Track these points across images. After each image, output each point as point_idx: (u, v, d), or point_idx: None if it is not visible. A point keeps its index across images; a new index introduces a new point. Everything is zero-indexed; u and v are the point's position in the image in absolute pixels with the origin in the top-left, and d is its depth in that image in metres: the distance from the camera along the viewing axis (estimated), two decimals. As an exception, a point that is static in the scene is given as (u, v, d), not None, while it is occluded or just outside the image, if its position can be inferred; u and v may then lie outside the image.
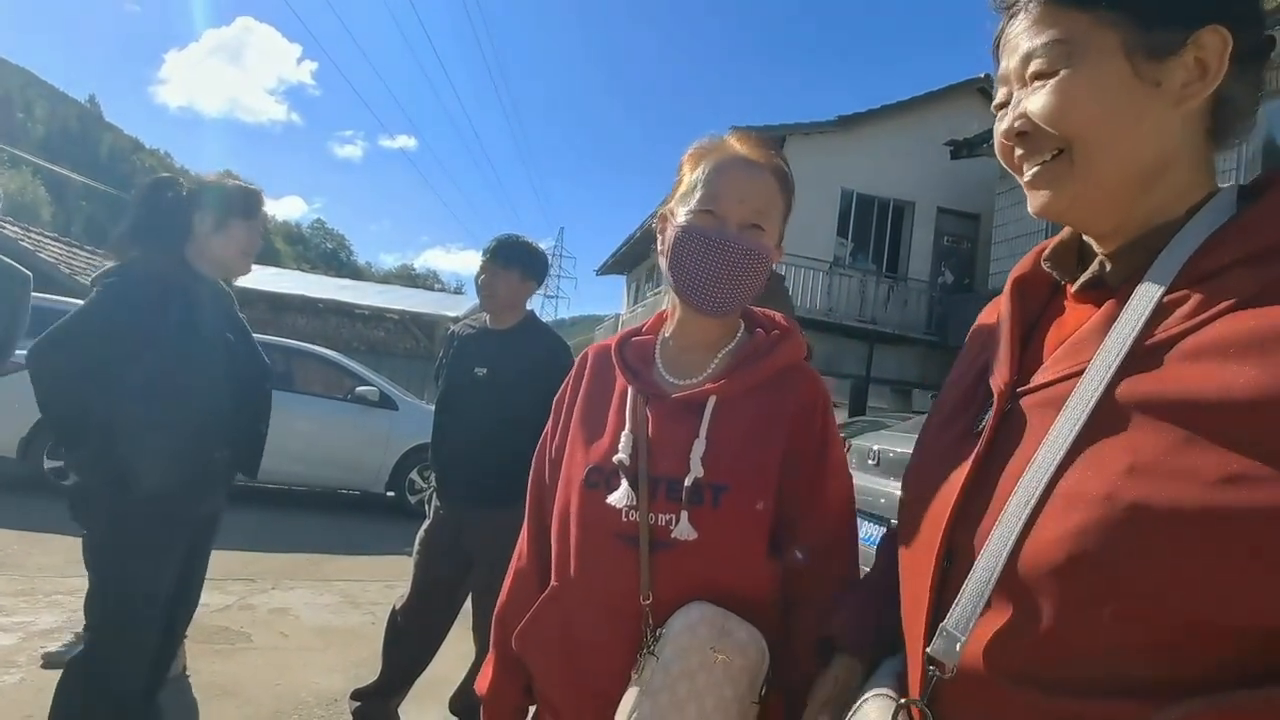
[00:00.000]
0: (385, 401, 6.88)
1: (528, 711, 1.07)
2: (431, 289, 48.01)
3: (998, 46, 0.68)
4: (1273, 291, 0.51)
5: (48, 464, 5.76)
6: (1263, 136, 7.01)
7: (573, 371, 1.11)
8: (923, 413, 7.75)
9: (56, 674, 2.57)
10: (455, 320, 15.29)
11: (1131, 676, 0.51)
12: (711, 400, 0.95)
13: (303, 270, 34.64)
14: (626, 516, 0.92)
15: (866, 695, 0.68)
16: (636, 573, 0.90)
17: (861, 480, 4.56)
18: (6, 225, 11.70)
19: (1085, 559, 0.50)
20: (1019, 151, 0.65)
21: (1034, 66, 0.62)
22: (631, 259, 22.62)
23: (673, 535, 0.90)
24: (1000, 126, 0.66)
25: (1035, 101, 0.61)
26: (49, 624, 3.20)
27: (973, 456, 0.62)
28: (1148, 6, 0.59)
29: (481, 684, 1.09)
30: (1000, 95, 0.67)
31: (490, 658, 1.09)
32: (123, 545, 1.85)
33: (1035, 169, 0.64)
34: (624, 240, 21.07)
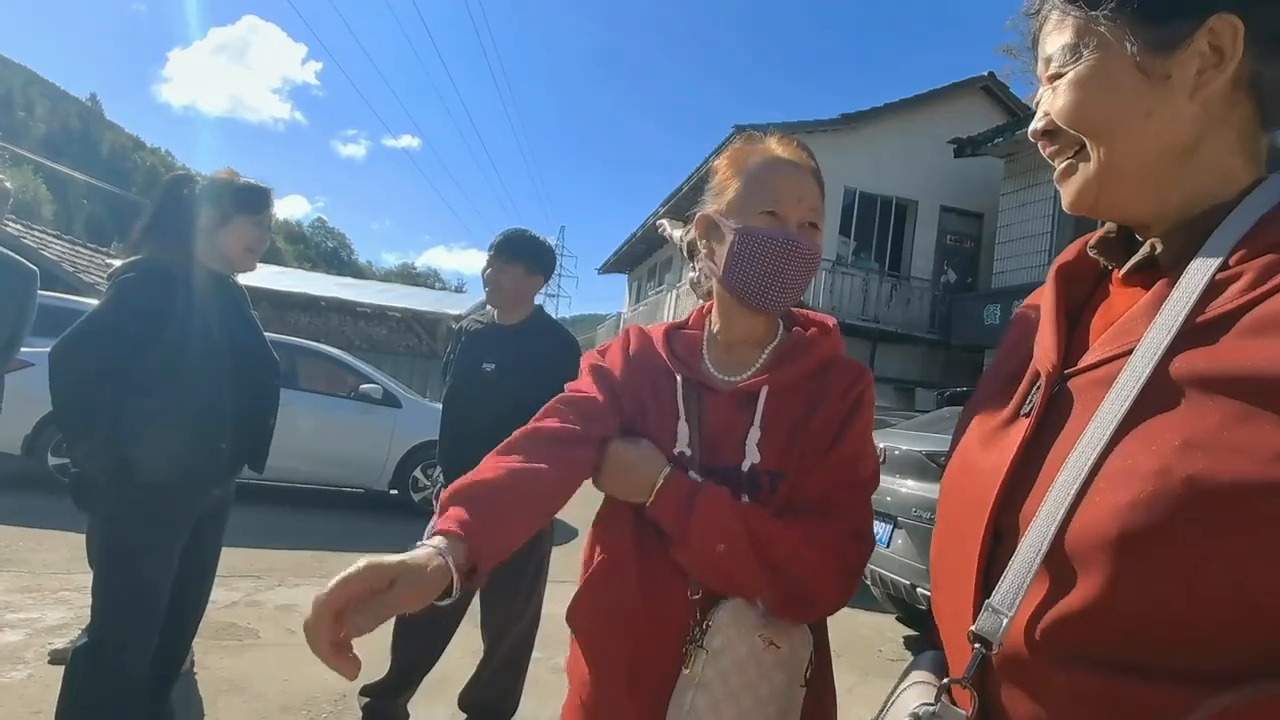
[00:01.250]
0: (389, 399, 6.89)
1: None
2: (432, 288, 48.02)
3: (1035, 46, 0.71)
4: None
5: (52, 461, 5.77)
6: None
7: (617, 342, 1.10)
8: (925, 411, 7.73)
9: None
10: (457, 319, 15.23)
11: (1182, 659, 0.50)
12: (764, 391, 0.96)
13: (304, 269, 34.60)
14: None
15: (905, 684, 0.67)
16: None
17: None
18: (9, 223, 11.70)
19: (1136, 534, 0.50)
20: (1049, 148, 0.69)
21: (1051, 68, 0.66)
22: (633, 258, 22.63)
23: None
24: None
25: (1052, 102, 0.65)
26: (55, 620, 3.20)
27: (1021, 437, 0.62)
28: (1147, 5, 0.60)
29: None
30: (1039, 95, 0.70)
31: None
32: (125, 534, 1.87)
33: (1062, 165, 0.68)
34: (626, 239, 21.08)
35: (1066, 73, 0.63)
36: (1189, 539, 0.48)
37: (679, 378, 1.00)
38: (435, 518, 0.87)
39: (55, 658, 2.78)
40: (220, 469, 2.05)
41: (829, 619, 0.98)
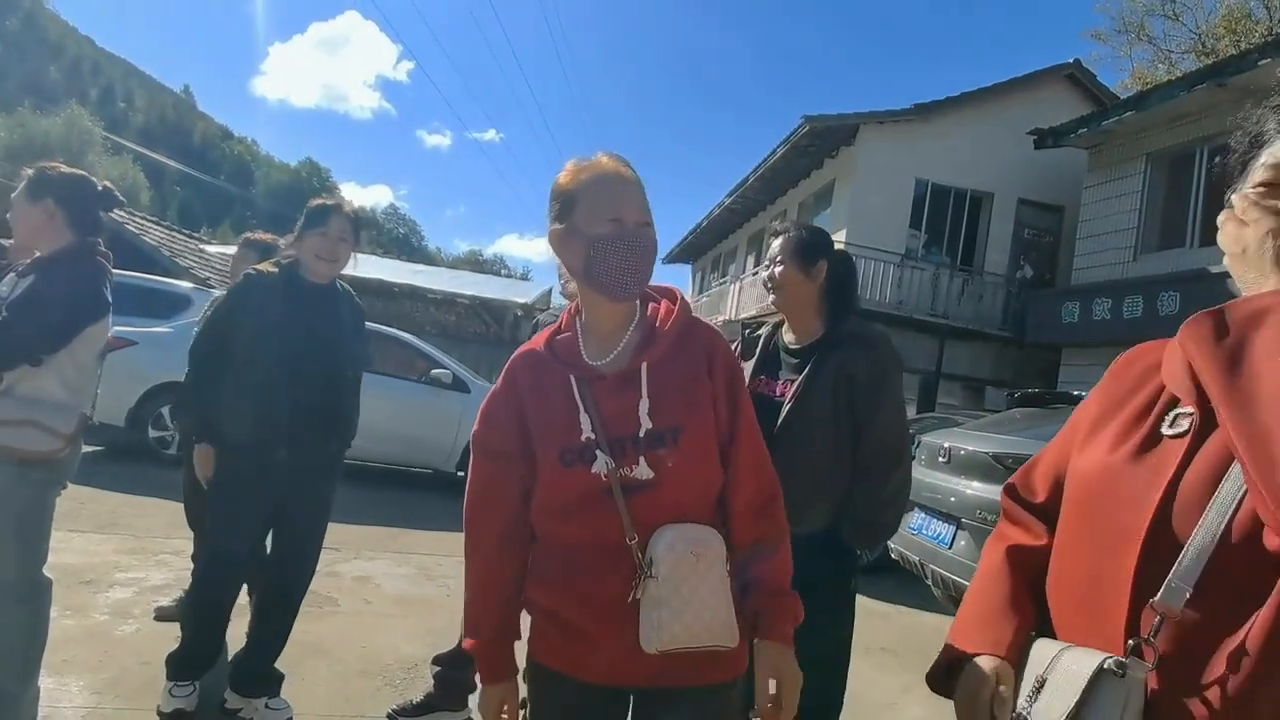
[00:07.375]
0: (458, 384, 7.11)
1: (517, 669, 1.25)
2: (499, 274, 48.86)
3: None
4: None
5: (152, 433, 6.20)
6: None
7: (502, 382, 1.26)
8: (995, 410, 7.49)
9: (167, 626, 2.81)
10: (523, 306, 15.29)
11: None
12: (644, 367, 1.18)
13: (377, 255, 35.66)
14: (604, 477, 1.13)
15: (1053, 651, 0.79)
16: (619, 518, 1.12)
17: (930, 478, 4.48)
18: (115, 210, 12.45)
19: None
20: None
21: None
22: (697, 248, 22.56)
23: (634, 475, 1.13)
24: None
25: None
26: (159, 580, 3.49)
27: (1180, 455, 0.75)
28: None
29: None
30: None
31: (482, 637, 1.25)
32: (215, 476, 2.41)
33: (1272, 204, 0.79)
34: (690, 229, 21.04)
35: None
36: None
37: (571, 376, 1.19)
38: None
39: (161, 614, 3.03)
40: (281, 437, 2.34)
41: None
